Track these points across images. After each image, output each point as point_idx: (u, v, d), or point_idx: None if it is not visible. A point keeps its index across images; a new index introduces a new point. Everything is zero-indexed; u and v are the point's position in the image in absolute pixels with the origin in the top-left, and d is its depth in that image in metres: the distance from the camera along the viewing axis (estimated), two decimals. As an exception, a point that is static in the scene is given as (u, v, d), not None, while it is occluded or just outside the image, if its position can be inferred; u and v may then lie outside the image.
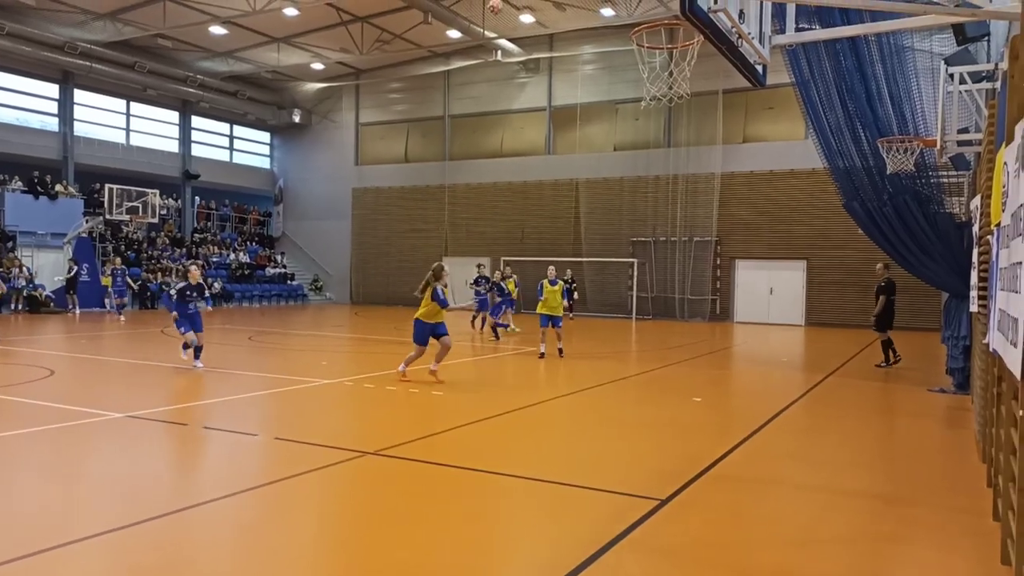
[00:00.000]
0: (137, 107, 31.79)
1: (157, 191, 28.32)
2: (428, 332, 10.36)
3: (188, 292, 11.35)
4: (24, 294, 24.08)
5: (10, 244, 25.51)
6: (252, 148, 37.26)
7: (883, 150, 10.98)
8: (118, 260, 24.60)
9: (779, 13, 7.45)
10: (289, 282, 34.30)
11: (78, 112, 29.57)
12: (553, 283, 13.75)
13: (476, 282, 19.58)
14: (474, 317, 20.05)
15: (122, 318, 21.96)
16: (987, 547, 4.52)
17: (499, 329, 18.09)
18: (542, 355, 13.79)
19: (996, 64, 9.64)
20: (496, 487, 5.77)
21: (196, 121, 34.11)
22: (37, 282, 24.96)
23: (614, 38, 26.68)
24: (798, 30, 7.81)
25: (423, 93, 32.95)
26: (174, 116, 33.40)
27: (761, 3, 6.72)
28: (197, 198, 34.92)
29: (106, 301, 25.06)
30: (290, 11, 25.06)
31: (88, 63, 27.55)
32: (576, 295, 25.70)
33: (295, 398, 9.53)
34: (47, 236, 26.52)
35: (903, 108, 11.12)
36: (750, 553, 4.45)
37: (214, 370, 11.36)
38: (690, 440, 7.63)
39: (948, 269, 10.95)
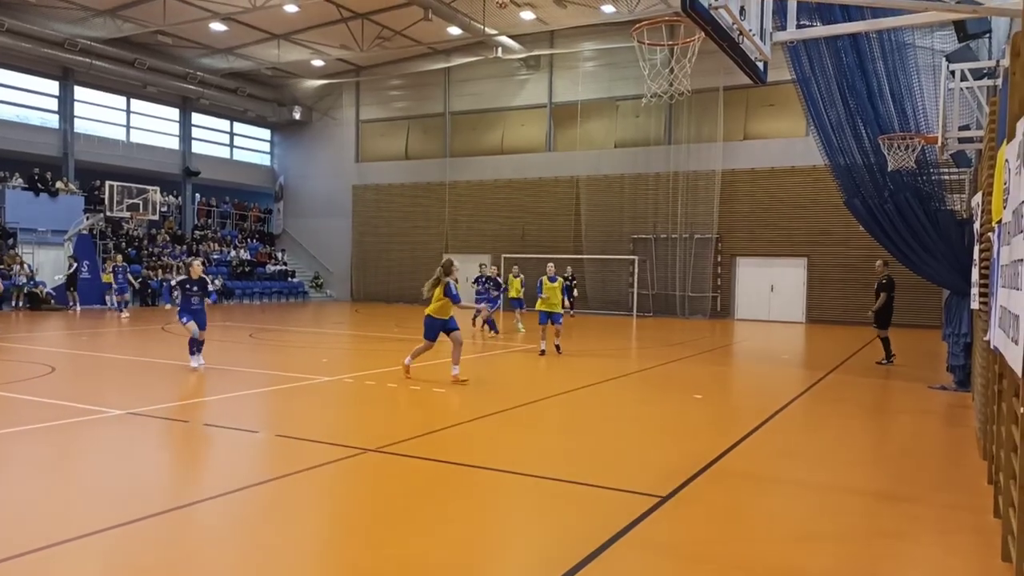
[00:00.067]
0: (137, 104, 31.77)
1: (157, 188, 28.34)
2: (439, 328, 10.29)
3: (188, 286, 11.29)
4: (25, 291, 24.10)
5: (10, 241, 25.53)
6: (252, 145, 37.25)
7: (884, 147, 10.97)
8: (119, 257, 24.60)
9: (780, 10, 7.44)
10: (290, 279, 34.31)
11: (78, 109, 29.55)
12: (552, 280, 13.76)
13: (477, 280, 19.56)
14: (476, 314, 20.02)
15: (126, 315, 21.93)
16: (987, 544, 4.52)
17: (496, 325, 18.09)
18: (543, 352, 13.80)
19: (997, 61, 9.63)
20: (497, 484, 5.77)
21: (196, 118, 34.09)
22: (38, 279, 24.98)
23: (615, 35, 26.65)
24: (799, 27, 7.79)
25: (423, 90, 32.92)
26: (174, 113, 33.38)
27: (762, 0, 6.71)
28: (197, 195, 34.90)
29: (107, 298, 25.07)
30: (290, 7, 25.02)
31: (88, 60, 27.52)
32: (576, 292, 25.69)
33: (296, 395, 9.54)
34: (47, 233, 26.53)
35: (904, 105, 11.11)
36: (750, 550, 4.45)
37: (215, 367, 11.36)
38: (691, 437, 7.63)
39: (949, 266, 10.94)
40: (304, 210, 36.28)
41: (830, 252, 25.01)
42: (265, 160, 37.68)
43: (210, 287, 11.58)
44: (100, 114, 30.60)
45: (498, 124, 31.67)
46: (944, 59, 10.43)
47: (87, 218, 27.32)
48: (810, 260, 25.60)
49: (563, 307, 14.55)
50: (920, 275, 12.28)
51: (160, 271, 28.53)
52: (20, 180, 26.76)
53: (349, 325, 21.92)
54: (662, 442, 7.44)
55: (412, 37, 28.88)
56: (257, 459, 6.56)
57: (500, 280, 18.77)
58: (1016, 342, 3.78)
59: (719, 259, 26.96)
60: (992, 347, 5.23)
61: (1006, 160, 4.37)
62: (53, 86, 28.85)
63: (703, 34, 6.00)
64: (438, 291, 10.21)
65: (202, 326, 11.28)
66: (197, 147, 34.25)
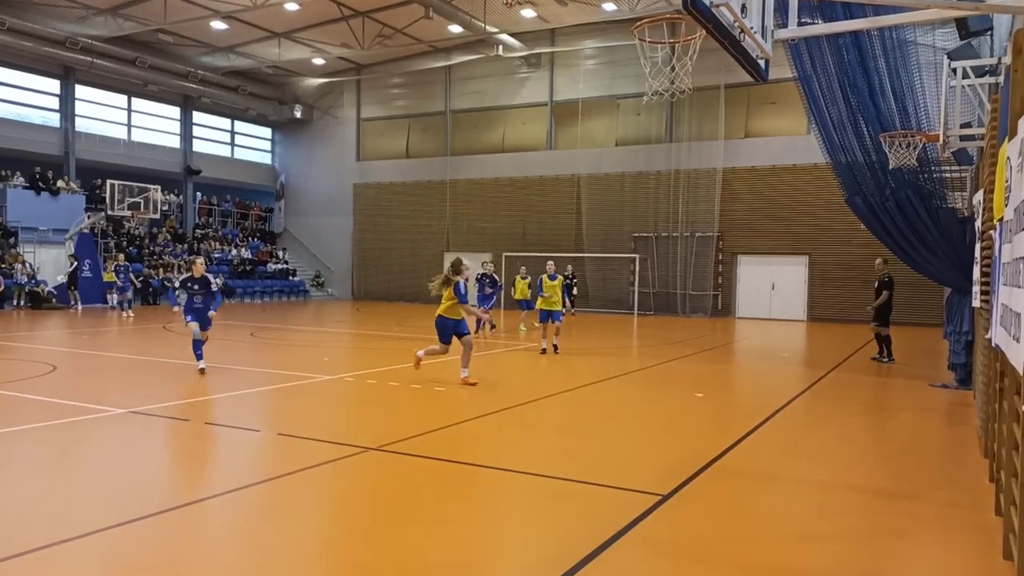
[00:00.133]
0: (138, 103, 31.77)
1: (159, 187, 28.36)
2: (451, 329, 10.11)
3: (191, 284, 11.29)
4: (26, 290, 24.12)
5: (12, 240, 25.54)
6: (253, 144, 37.25)
7: (885, 145, 10.96)
8: (122, 256, 24.60)
9: (781, 7, 7.42)
10: (291, 278, 34.32)
11: (79, 108, 29.56)
12: (552, 278, 13.76)
13: (480, 279, 19.51)
14: (479, 325, 19.95)
15: (131, 314, 21.89)
16: (989, 542, 4.52)
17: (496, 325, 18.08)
18: (543, 351, 13.81)
19: (999, 58, 9.62)
20: (498, 482, 5.77)
21: (197, 116, 34.09)
22: (39, 278, 25.00)
23: (616, 33, 26.64)
24: (800, 24, 7.77)
25: (424, 88, 32.90)
26: (175, 112, 33.38)
27: (763, -3, 6.69)
28: (199, 194, 34.92)
29: (109, 297, 25.09)
30: (291, 6, 25.03)
31: (89, 58, 27.52)
32: (576, 291, 25.68)
33: (297, 394, 9.54)
34: (49, 232, 26.55)
35: (906, 103, 11.08)
36: (751, 548, 4.45)
37: (216, 366, 11.36)
38: (692, 435, 7.63)
39: (950, 264, 10.92)
40: (305, 209, 36.29)
41: (831, 250, 24.99)
42: (266, 159, 37.68)
43: (213, 285, 11.56)
44: (101, 113, 30.60)
45: (499, 122, 31.64)
46: (946, 56, 10.41)
47: (88, 217, 27.32)
48: (811, 258, 25.58)
49: (563, 306, 14.56)
50: (921, 273, 12.27)
51: (161, 270, 28.55)
52: (21, 179, 26.79)
53: (350, 324, 21.92)
54: (663, 440, 7.44)
55: (413, 35, 28.87)
56: (258, 458, 6.56)
57: (496, 277, 18.70)
58: (1018, 340, 3.77)
59: (720, 257, 26.94)
60: (993, 345, 5.22)
61: (1008, 158, 4.36)
62: (54, 85, 28.86)
63: (704, 32, 5.99)
64: (448, 291, 10.09)
65: (204, 326, 11.25)
66: (198, 146, 34.26)
